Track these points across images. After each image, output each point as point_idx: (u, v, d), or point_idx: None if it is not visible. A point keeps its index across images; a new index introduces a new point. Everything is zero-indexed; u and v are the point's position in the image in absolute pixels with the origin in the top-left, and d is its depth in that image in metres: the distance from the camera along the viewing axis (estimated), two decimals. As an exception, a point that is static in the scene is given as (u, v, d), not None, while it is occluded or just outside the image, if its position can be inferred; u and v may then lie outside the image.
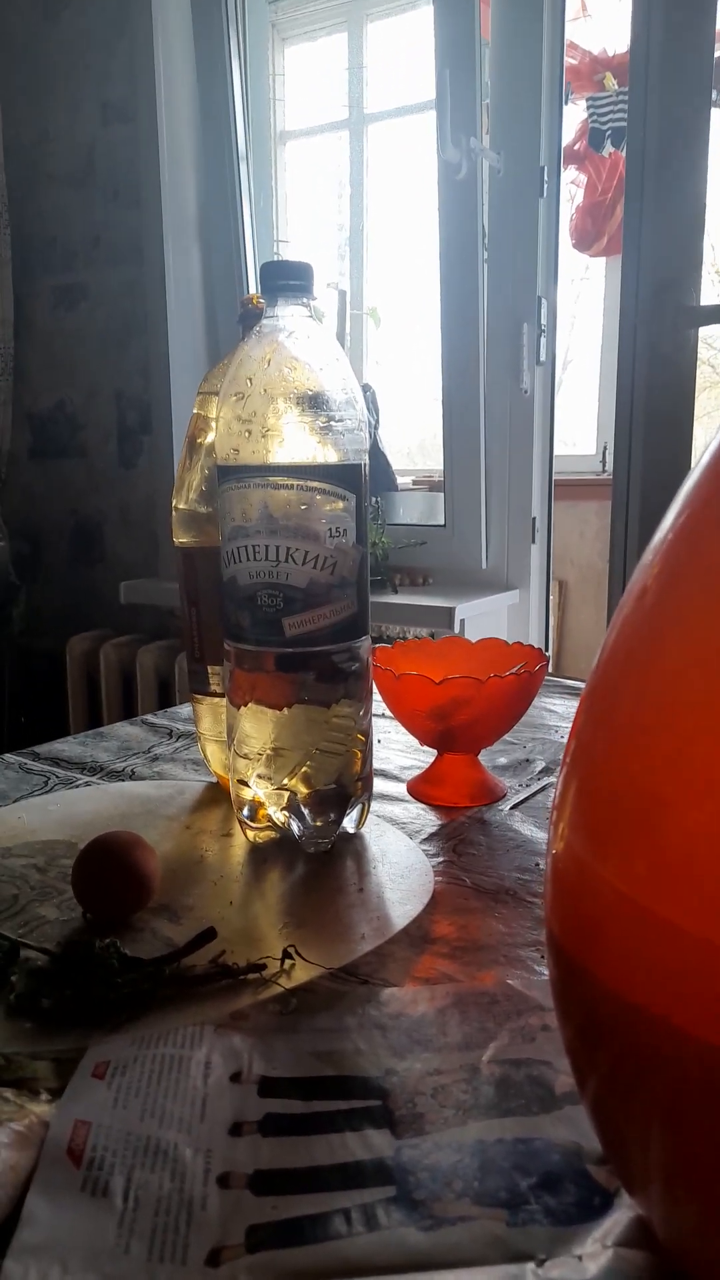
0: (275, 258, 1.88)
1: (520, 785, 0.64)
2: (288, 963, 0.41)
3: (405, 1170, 0.31)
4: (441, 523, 1.65)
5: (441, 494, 1.67)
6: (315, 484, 0.51)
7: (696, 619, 0.24)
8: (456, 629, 1.42)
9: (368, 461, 0.53)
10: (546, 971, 0.41)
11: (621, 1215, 0.28)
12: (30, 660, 2.07)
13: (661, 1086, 0.24)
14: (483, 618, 1.51)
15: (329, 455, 0.51)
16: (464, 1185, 0.30)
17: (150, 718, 0.81)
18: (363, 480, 0.52)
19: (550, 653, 1.71)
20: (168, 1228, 0.29)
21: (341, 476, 0.51)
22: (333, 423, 0.51)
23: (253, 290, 1.86)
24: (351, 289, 1.87)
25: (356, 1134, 0.32)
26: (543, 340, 1.50)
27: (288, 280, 0.51)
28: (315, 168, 1.90)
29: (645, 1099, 0.25)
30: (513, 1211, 0.29)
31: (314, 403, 0.51)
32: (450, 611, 1.41)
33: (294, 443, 0.50)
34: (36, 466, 2.07)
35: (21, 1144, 0.30)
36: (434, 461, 2.01)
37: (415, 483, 2.04)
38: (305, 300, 0.52)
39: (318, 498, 0.51)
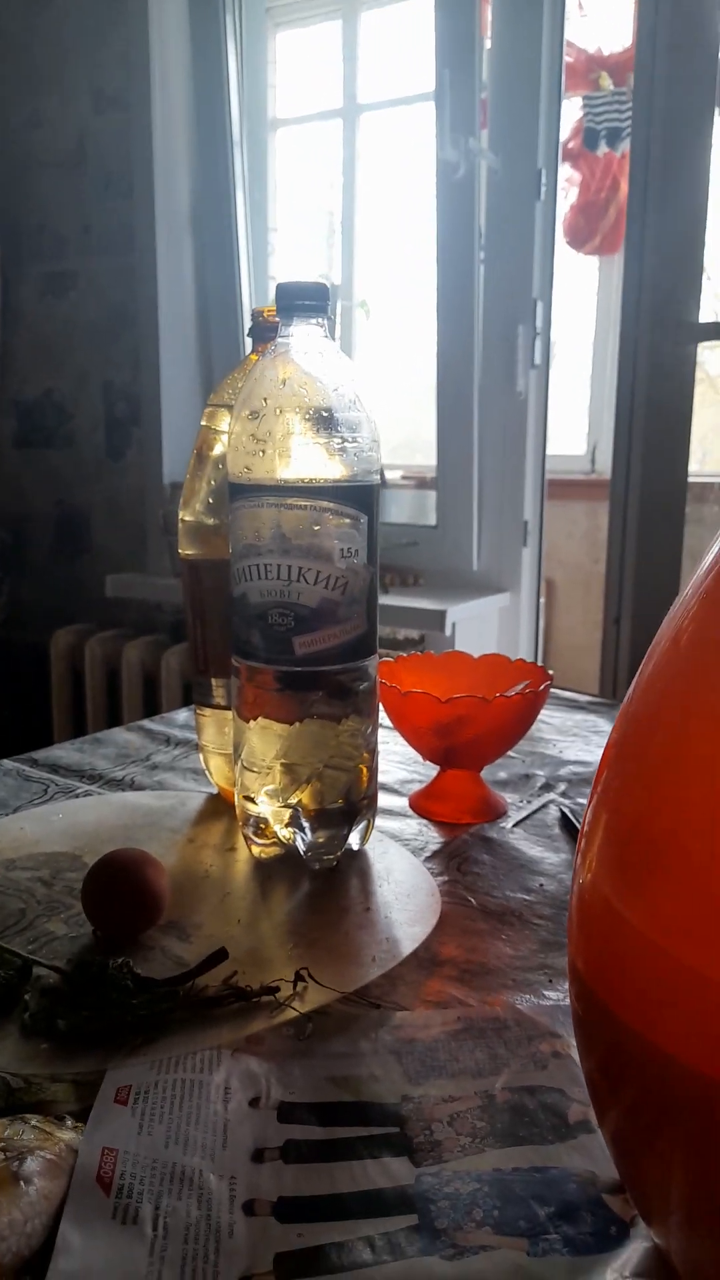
0: (270, 249, 1.88)
1: (521, 801, 0.65)
2: (300, 986, 0.42)
3: (426, 1199, 0.31)
4: (433, 523, 1.65)
5: (431, 492, 1.67)
6: (328, 504, 0.51)
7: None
8: (448, 631, 1.43)
9: (379, 481, 0.54)
10: (554, 995, 0.42)
11: (639, 1245, 0.29)
12: (13, 653, 2.05)
13: (682, 1124, 0.25)
14: (474, 620, 1.52)
15: (341, 475, 0.51)
16: (484, 1214, 0.31)
17: (148, 723, 0.81)
18: (374, 500, 0.53)
19: (540, 655, 1.72)
20: (198, 1255, 0.29)
21: (354, 497, 0.52)
22: (346, 444, 0.51)
23: (245, 281, 1.85)
24: (342, 280, 1.86)
25: (376, 1161, 0.33)
26: (538, 343, 1.51)
27: (303, 300, 0.51)
28: (307, 156, 1.89)
29: (666, 1136, 0.26)
30: (533, 1241, 0.30)
31: (328, 423, 0.51)
32: (442, 614, 1.42)
33: (307, 463, 0.51)
34: (21, 455, 2.05)
35: (53, 1172, 0.31)
36: (422, 457, 2.01)
37: (404, 478, 2.04)
38: (320, 320, 0.52)
39: (330, 518, 0.51)
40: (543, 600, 1.70)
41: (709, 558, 0.27)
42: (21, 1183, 0.30)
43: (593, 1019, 0.28)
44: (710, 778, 0.25)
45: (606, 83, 2.17)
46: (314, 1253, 0.29)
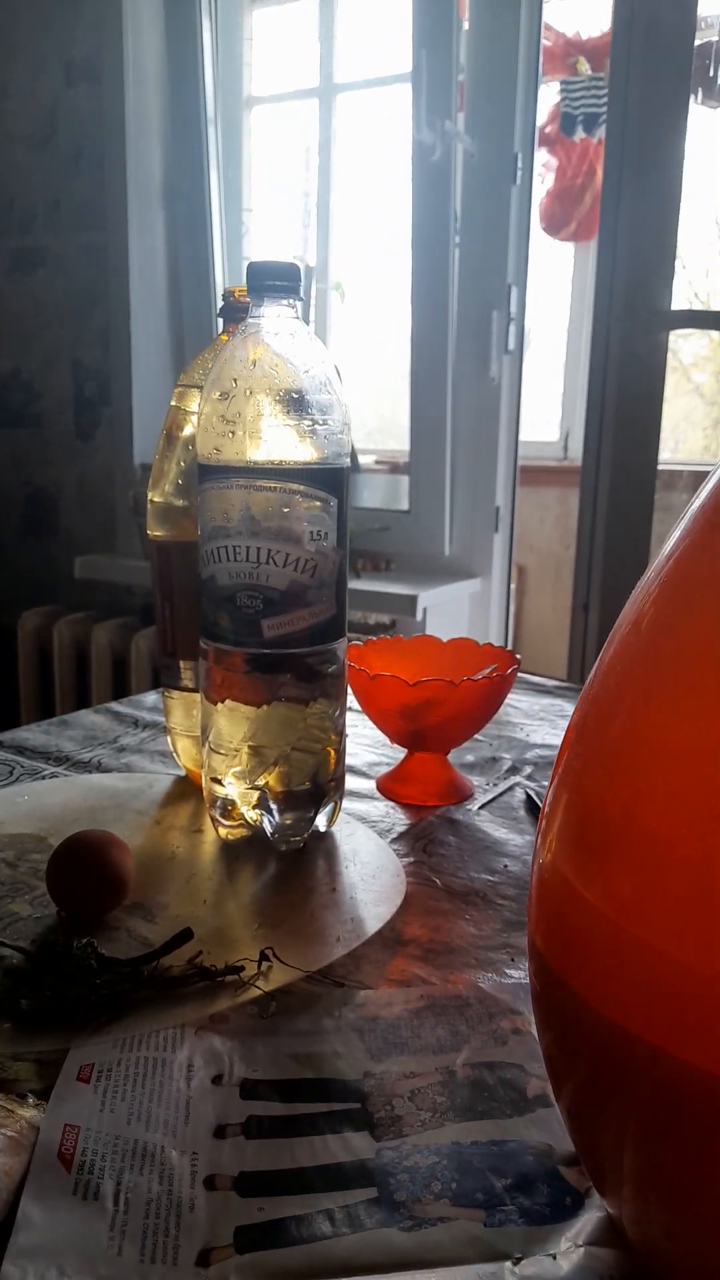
0: (244, 229, 1.86)
1: (488, 784, 0.65)
2: (265, 965, 0.42)
3: (385, 1172, 0.32)
4: (405, 508, 1.66)
5: (404, 477, 1.67)
6: (297, 486, 0.51)
7: (691, 651, 0.26)
8: (419, 616, 1.43)
9: (349, 464, 0.54)
10: (515, 974, 0.42)
11: (592, 1215, 0.30)
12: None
13: (636, 1097, 0.26)
14: (445, 605, 1.52)
15: (311, 457, 0.51)
16: (442, 1187, 0.31)
17: (115, 706, 0.81)
18: (344, 483, 0.53)
19: (510, 641, 1.73)
20: (158, 1230, 0.30)
21: (324, 479, 0.51)
22: (317, 425, 0.51)
23: (219, 261, 1.83)
24: (317, 262, 1.85)
25: (337, 1136, 0.33)
26: (512, 328, 1.51)
27: (275, 281, 0.51)
28: (282, 135, 1.87)
29: (619, 1108, 0.27)
30: (490, 1212, 0.30)
31: (298, 405, 0.51)
32: (414, 599, 1.42)
33: (277, 444, 0.51)
34: (-11, 434, 2.02)
35: (14, 1149, 0.31)
36: (395, 441, 2.01)
37: (377, 463, 2.04)
38: (292, 301, 0.52)
39: (299, 500, 0.51)
40: (514, 586, 1.71)
41: (670, 543, 0.28)
42: (-18, 1160, 0.30)
43: (550, 994, 0.29)
44: (666, 759, 0.25)
45: (584, 67, 2.17)
46: (274, 1225, 0.30)
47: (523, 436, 1.59)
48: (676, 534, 0.27)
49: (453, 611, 1.57)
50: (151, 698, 0.83)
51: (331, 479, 0.52)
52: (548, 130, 2.24)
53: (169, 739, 0.64)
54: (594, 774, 0.28)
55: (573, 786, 0.29)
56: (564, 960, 0.28)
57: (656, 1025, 0.24)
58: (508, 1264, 0.28)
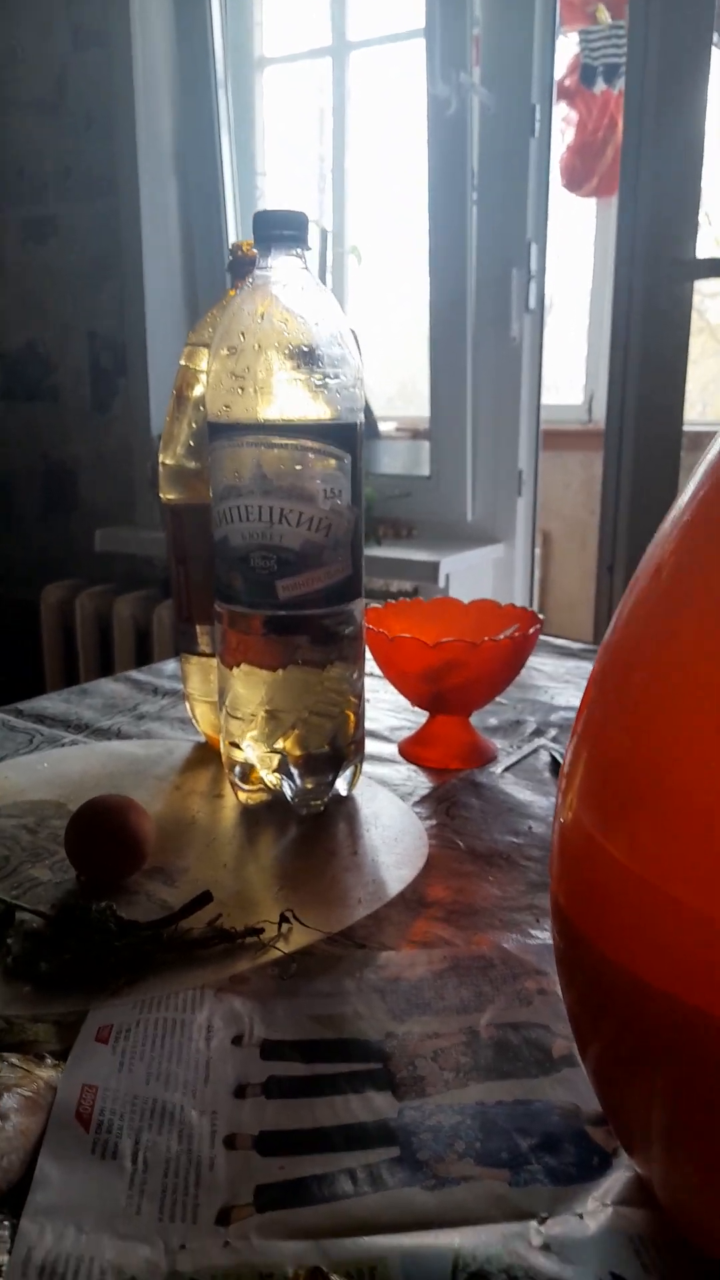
0: (258, 193, 1.82)
1: (511, 747, 0.64)
2: (285, 927, 0.42)
3: (408, 1131, 0.31)
4: (426, 474, 1.63)
5: (425, 443, 1.65)
6: (310, 443, 0.50)
7: (711, 600, 0.24)
8: (441, 582, 1.41)
9: (363, 420, 0.52)
10: (541, 935, 0.41)
11: (620, 1175, 0.29)
12: (2, 610, 2.04)
13: (662, 1054, 0.25)
14: (468, 571, 1.51)
15: (323, 413, 0.50)
16: (466, 1146, 0.31)
17: (135, 674, 0.81)
18: (358, 439, 0.52)
19: (535, 607, 1.72)
20: (177, 1188, 0.29)
21: (337, 435, 0.50)
22: (328, 379, 0.50)
23: (232, 227, 1.80)
24: (333, 226, 1.81)
25: (359, 1096, 0.33)
26: (532, 286, 1.47)
27: (281, 230, 0.50)
28: (295, 96, 1.83)
29: (646, 1065, 0.26)
30: (514, 1171, 0.30)
31: (309, 359, 0.49)
32: (435, 565, 1.40)
33: (288, 400, 0.49)
34: (6, 409, 2.02)
35: (31, 1109, 0.31)
36: (415, 408, 1.98)
37: (398, 429, 2.01)
38: (299, 251, 0.50)
39: (312, 457, 0.50)
40: (538, 552, 1.69)
41: (688, 492, 0.26)
42: None
43: (574, 952, 0.28)
44: (688, 708, 0.24)
45: (604, 16, 2.10)
46: (295, 1184, 0.29)
47: (547, 400, 1.56)
48: (695, 481, 0.26)
49: (476, 578, 1.55)
50: (171, 665, 0.82)
51: (345, 435, 0.50)
52: (567, 83, 2.18)
53: (188, 705, 0.64)
54: (614, 727, 0.27)
55: (593, 740, 0.28)
56: (586, 916, 0.27)
57: (681, 979, 0.23)
58: (533, 1223, 0.28)
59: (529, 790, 0.57)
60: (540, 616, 0.60)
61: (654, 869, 0.24)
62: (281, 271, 0.50)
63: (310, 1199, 0.29)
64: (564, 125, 2.23)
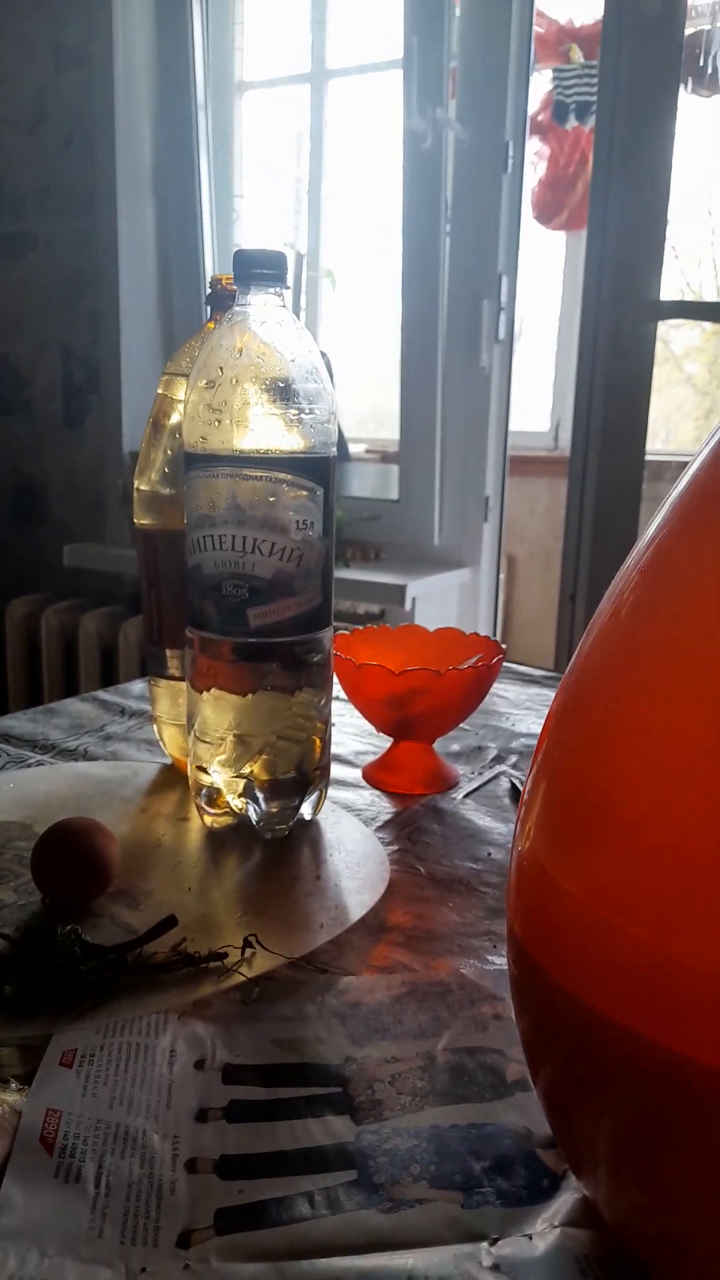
0: (235, 215, 1.84)
1: (473, 773, 0.66)
2: (249, 951, 0.42)
3: (365, 1155, 0.32)
4: (395, 497, 1.65)
5: (394, 466, 1.67)
6: (284, 475, 0.51)
7: (669, 639, 0.26)
8: (408, 605, 1.43)
9: (335, 453, 0.54)
10: (498, 961, 0.43)
11: (568, 1196, 0.31)
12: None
13: (611, 1081, 0.26)
14: (434, 595, 1.53)
15: (297, 446, 0.51)
16: (421, 1169, 0.32)
17: (102, 694, 0.81)
18: (331, 472, 0.53)
19: (499, 631, 1.74)
20: (139, 1212, 0.30)
21: (310, 469, 0.51)
22: (303, 415, 0.51)
23: (209, 246, 1.81)
24: (308, 249, 1.84)
25: (318, 1120, 0.34)
26: (502, 317, 1.50)
27: (261, 269, 0.51)
28: (274, 121, 1.85)
29: (595, 1091, 0.27)
30: (467, 1194, 0.31)
31: (285, 394, 0.51)
32: (402, 589, 1.42)
33: (264, 433, 0.50)
34: (-22, 421, 2.01)
35: (-6, 1135, 0.31)
36: (386, 430, 2.00)
37: (368, 452, 2.04)
38: (278, 289, 0.52)
39: (286, 489, 0.51)
40: (503, 576, 1.72)
41: (649, 532, 0.28)
42: (-36, 1144, 0.30)
43: (528, 980, 0.29)
44: (643, 746, 0.26)
45: (577, 55, 2.16)
46: (254, 1207, 0.30)
47: (515, 427, 1.59)
48: (656, 523, 0.28)
49: (442, 601, 1.57)
50: (138, 686, 0.83)
51: (318, 468, 0.52)
52: (540, 119, 2.23)
53: (155, 727, 0.64)
54: (572, 761, 0.28)
55: (551, 773, 0.29)
56: (540, 945, 0.28)
57: (632, 1010, 0.25)
58: (484, 1245, 0.29)
59: (489, 816, 0.59)
60: (503, 646, 0.62)
61: (605, 901, 0.25)
62: (260, 308, 0.51)
63: (269, 1222, 0.30)
64: (536, 159, 2.29)
